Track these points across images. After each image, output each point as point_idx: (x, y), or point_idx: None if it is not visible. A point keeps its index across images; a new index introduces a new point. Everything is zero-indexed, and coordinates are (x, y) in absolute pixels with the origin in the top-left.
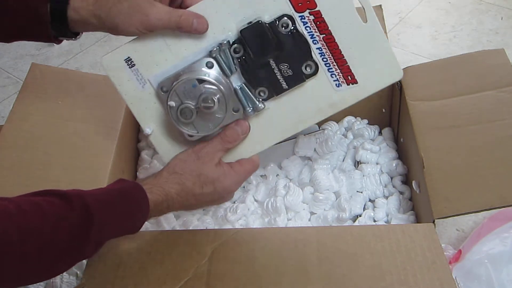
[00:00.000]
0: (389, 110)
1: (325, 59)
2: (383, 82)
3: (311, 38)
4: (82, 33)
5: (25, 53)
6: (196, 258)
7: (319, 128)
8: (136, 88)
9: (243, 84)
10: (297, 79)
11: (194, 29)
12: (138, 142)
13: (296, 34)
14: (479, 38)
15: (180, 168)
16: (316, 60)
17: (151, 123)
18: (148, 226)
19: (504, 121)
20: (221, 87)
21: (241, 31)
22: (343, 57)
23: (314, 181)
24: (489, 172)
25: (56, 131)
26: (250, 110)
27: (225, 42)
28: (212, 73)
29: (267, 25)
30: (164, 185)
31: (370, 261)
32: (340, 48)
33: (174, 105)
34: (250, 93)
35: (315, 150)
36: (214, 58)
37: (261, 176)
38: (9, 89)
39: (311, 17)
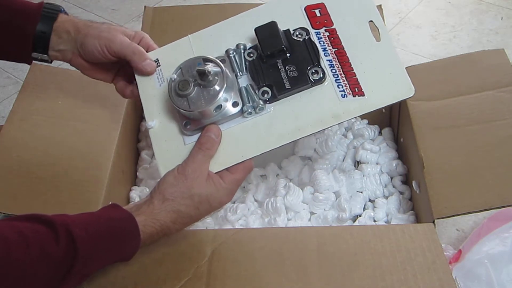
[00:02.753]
0: (389, 110)
1: (333, 70)
2: (392, 98)
3: (323, 50)
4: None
5: None
6: (196, 258)
7: None
8: (154, 86)
9: (249, 85)
10: (300, 81)
11: (141, 67)
12: (138, 142)
13: (307, 41)
14: (479, 38)
15: (171, 193)
16: (325, 69)
17: (156, 119)
18: None
19: (504, 121)
20: (224, 69)
21: (255, 29)
22: (353, 70)
23: (314, 181)
24: (489, 172)
25: (56, 131)
26: (249, 108)
27: (241, 45)
28: None
29: (281, 30)
30: (158, 216)
31: (370, 261)
32: (350, 61)
33: (175, 78)
34: (253, 92)
35: (315, 150)
36: (228, 57)
37: (261, 176)
38: (9, 89)
39: (326, 34)
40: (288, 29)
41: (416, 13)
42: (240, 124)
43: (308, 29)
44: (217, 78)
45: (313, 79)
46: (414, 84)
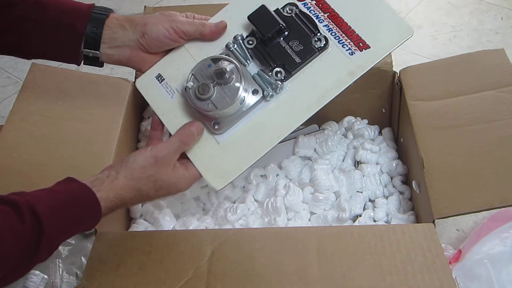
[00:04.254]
0: (389, 110)
1: (333, 33)
2: (395, 42)
3: (316, 18)
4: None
5: None
6: (196, 258)
7: (319, 128)
8: (166, 99)
9: (260, 70)
10: (308, 52)
11: (215, 29)
12: (138, 142)
13: (300, 14)
14: (479, 38)
15: (138, 174)
16: (325, 35)
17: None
18: (148, 226)
19: (504, 121)
20: (235, 62)
21: (248, 17)
22: (350, 27)
23: (314, 181)
24: (489, 172)
25: (56, 131)
26: (269, 91)
27: (239, 36)
28: None
29: (272, 11)
30: (120, 191)
31: (370, 261)
32: (345, 21)
33: (192, 85)
34: (266, 75)
35: (315, 150)
36: (230, 51)
37: (261, 176)
38: (9, 89)
39: (313, 2)
40: (277, 8)
41: (416, 13)
42: (265, 109)
43: (295, 2)
44: (233, 73)
45: (319, 47)
46: (414, 84)
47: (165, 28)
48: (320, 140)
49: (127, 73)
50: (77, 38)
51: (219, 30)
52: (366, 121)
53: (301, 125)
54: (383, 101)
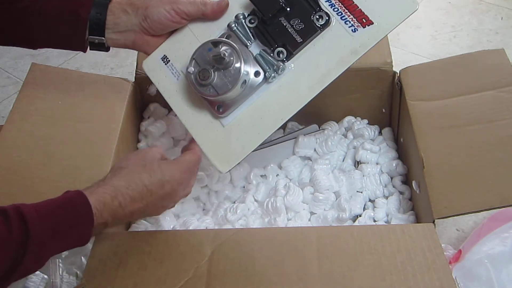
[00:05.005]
0: (389, 110)
1: (336, 9)
2: (400, 17)
3: None
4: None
5: (25, 53)
6: (196, 258)
7: (319, 128)
8: (172, 81)
9: (261, 51)
10: (309, 30)
11: (217, 8)
12: (138, 142)
13: None
14: (479, 38)
15: (127, 175)
16: (327, 11)
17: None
18: (148, 226)
19: (504, 121)
20: (235, 45)
21: None
22: (353, 2)
23: (314, 181)
24: (489, 172)
25: (56, 131)
26: (271, 72)
27: (240, 14)
28: None
29: None
30: (111, 190)
31: (370, 261)
32: None
33: (193, 70)
34: (269, 56)
35: (315, 150)
36: (232, 30)
37: (261, 176)
38: (9, 89)
39: None
40: None
41: (416, 13)
42: (268, 90)
43: None
44: (232, 56)
45: (320, 24)
46: (414, 84)
47: (167, 10)
48: (320, 140)
49: (127, 73)
50: (82, 26)
51: (221, 8)
52: (366, 121)
53: (302, 125)
54: (383, 101)
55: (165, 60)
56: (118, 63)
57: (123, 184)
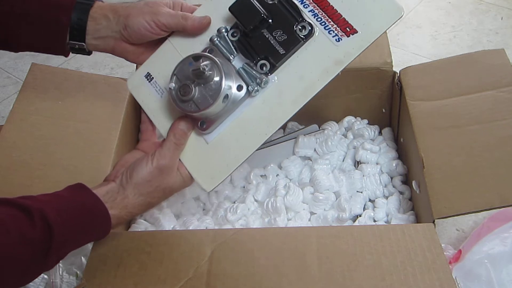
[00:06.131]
0: (389, 110)
1: (319, 19)
2: (385, 24)
3: (301, 3)
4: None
5: (25, 53)
6: (196, 258)
7: (319, 128)
8: (156, 99)
9: (244, 64)
10: (292, 42)
11: (198, 25)
12: (138, 142)
13: (283, 1)
14: (479, 38)
15: (146, 189)
16: (310, 21)
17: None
18: (148, 226)
19: (504, 121)
20: (216, 59)
21: (229, 8)
22: (337, 11)
23: (314, 181)
24: (489, 172)
25: (56, 131)
26: (254, 86)
27: (223, 28)
28: None
29: (254, 0)
30: (132, 209)
31: (370, 261)
32: (331, 4)
33: (174, 86)
34: (252, 69)
35: (315, 150)
36: (214, 44)
37: (261, 176)
38: (9, 89)
39: None
40: None
41: (416, 13)
42: (251, 104)
43: None
44: (213, 71)
45: (303, 35)
46: (414, 84)
47: (147, 21)
48: (320, 140)
49: (127, 73)
50: (62, 31)
51: (202, 26)
52: (366, 121)
53: (302, 125)
54: (383, 101)
55: (148, 77)
56: (118, 63)
57: (139, 210)
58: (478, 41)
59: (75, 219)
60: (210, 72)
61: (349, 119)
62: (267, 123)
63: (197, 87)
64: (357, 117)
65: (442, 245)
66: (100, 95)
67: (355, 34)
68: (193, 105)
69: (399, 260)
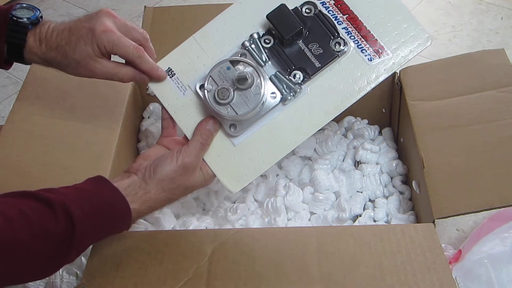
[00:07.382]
0: (389, 110)
1: (352, 37)
2: (414, 50)
3: (335, 19)
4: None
5: None
6: (196, 258)
7: None
8: (178, 96)
9: (277, 72)
10: (328, 56)
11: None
12: (138, 142)
13: (320, 15)
14: (479, 38)
15: (169, 185)
16: (344, 38)
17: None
18: (148, 226)
19: (504, 121)
20: (255, 65)
21: (267, 16)
22: (370, 32)
23: (314, 181)
24: (489, 172)
25: (56, 131)
26: (287, 94)
27: (255, 33)
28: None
29: (291, 10)
30: (153, 204)
31: (370, 261)
32: (365, 24)
33: (211, 88)
34: (285, 78)
35: (315, 150)
36: (247, 50)
37: (261, 176)
38: (9, 89)
39: (332, 2)
40: (296, 7)
41: (416, 13)
42: (283, 112)
43: (314, 2)
44: (254, 77)
45: (338, 50)
46: (414, 84)
47: (84, 76)
48: (320, 140)
49: None
50: None
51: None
52: (366, 121)
53: None
54: (383, 101)
55: (170, 73)
56: None
57: (160, 205)
58: (478, 41)
59: (97, 213)
60: (252, 79)
61: (349, 119)
62: (297, 131)
63: (235, 92)
64: (357, 117)
65: (442, 245)
66: (100, 95)
67: (386, 56)
68: (229, 109)
69: (399, 260)
